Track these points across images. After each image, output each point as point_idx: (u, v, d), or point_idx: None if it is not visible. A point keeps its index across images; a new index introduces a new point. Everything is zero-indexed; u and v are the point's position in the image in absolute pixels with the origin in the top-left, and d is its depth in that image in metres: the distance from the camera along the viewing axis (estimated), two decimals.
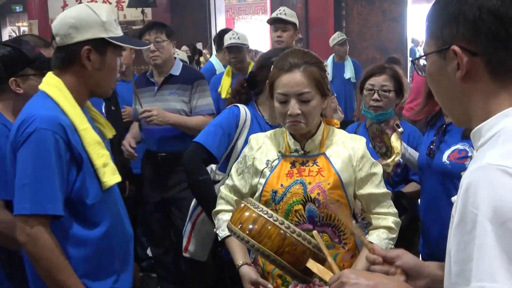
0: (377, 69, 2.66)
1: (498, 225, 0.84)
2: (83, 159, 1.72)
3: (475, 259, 0.87)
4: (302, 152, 1.79)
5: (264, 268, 1.80)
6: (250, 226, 1.38)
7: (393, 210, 1.84)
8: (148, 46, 3.22)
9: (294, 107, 1.70)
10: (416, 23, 9.24)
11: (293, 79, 1.71)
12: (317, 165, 1.77)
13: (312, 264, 1.35)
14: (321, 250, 1.37)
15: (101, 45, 1.78)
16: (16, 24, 14.61)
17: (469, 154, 2.14)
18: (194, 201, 2.41)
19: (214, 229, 1.91)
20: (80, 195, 1.72)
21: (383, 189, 1.82)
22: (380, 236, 1.77)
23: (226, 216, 1.86)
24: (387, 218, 1.81)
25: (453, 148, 2.22)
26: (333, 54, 6.52)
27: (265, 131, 1.96)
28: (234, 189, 1.89)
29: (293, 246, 1.35)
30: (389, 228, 1.80)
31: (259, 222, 1.38)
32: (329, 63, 6.32)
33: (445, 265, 1.02)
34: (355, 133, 2.69)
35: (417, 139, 2.66)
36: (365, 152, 1.80)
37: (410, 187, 2.63)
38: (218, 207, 1.93)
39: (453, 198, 1.07)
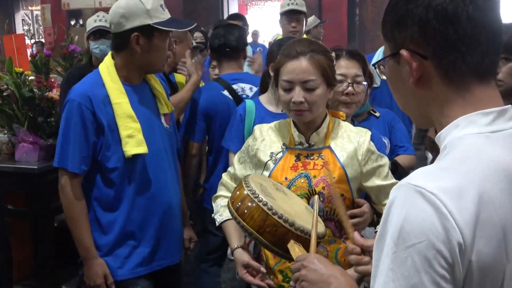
0: (344, 54, 2.08)
1: (402, 248, 0.78)
2: (110, 128, 1.98)
3: (376, 279, 0.82)
4: (307, 145, 1.76)
5: (266, 262, 1.78)
6: (239, 204, 1.43)
7: None
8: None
9: (298, 94, 1.67)
10: None
11: (298, 66, 1.67)
12: (322, 159, 1.73)
13: (291, 246, 1.37)
14: (305, 232, 1.39)
15: (147, 30, 2.00)
16: (29, 8, 14.63)
17: None
18: None
19: (213, 215, 1.89)
20: (103, 158, 2.01)
21: (391, 180, 1.78)
22: None
23: (224, 202, 1.84)
24: None
25: None
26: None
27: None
28: (234, 177, 1.86)
29: (274, 227, 1.37)
30: None
31: (246, 201, 1.41)
32: None
33: None
34: None
35: (393, 120, 2.51)
36: (371, 145, 1.76)
37: (401, 158, 2.48)
38: (218, 193, 1.91)
39: None
